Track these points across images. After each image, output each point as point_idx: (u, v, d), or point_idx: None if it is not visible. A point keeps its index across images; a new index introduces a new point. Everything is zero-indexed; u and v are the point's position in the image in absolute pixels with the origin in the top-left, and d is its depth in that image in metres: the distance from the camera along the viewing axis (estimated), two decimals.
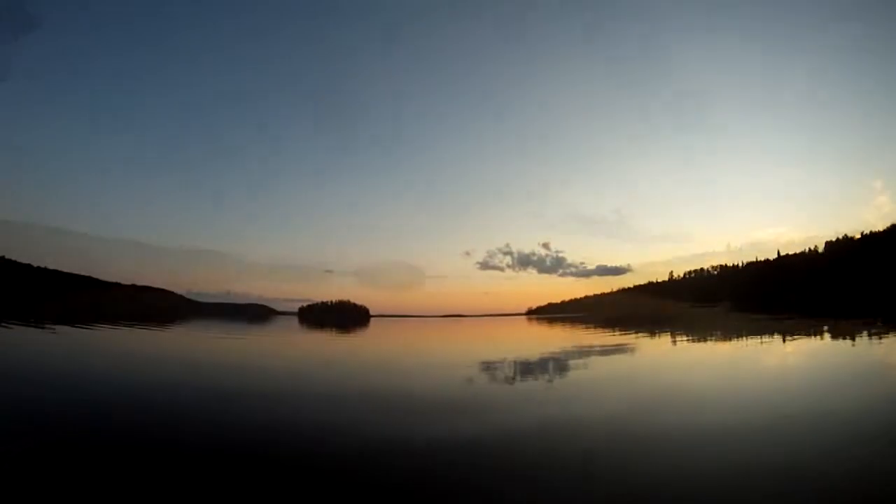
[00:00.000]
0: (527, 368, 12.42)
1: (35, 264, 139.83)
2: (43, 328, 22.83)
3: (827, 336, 19.19)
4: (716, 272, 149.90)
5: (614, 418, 6.23)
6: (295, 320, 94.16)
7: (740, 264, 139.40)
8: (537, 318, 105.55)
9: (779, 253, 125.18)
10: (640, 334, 26.71)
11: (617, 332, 29.13)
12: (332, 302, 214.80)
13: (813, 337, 19.07)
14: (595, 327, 38.60)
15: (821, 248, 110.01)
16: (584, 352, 17.01)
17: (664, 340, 21.86)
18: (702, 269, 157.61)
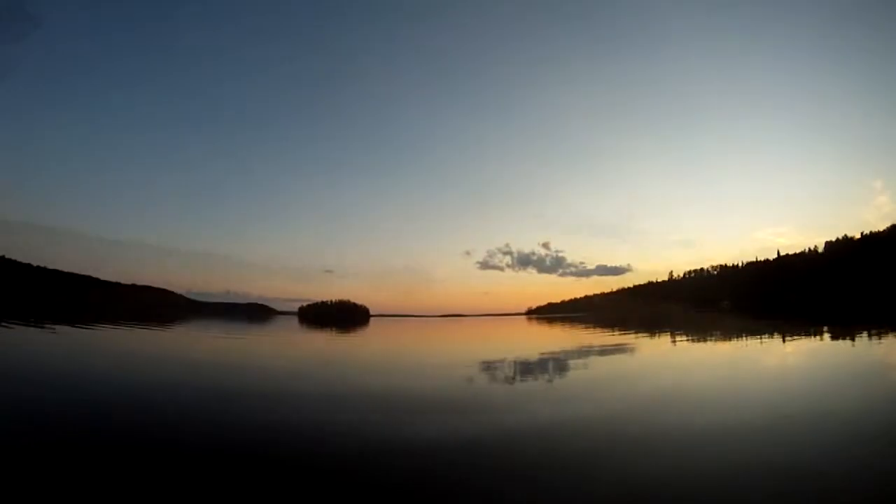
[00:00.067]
0: (526, 368, 12.43)
1: (35, 264, 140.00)
2: (43, 328, 22.82)
3: (826, 336, 19.19)
4: (716, 272, 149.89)
5: (614, 418, 6.24)
6: (295, 320, 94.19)
7: (740, 264, 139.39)
8: (537, 318, 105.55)
9: (779, 253, 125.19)
10: (639, 334, 26.71)
11: (616, 332, 29.13)
12: (332, 302, 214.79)
13: (813, 337, 19.07)
14: (595, 327, 38.61)
15: (821, 249, 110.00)
16: (584, 352, 17.02)
17: (664, 340, 21.86)
18: (702, 269, 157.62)
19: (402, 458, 4.65)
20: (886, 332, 18.45)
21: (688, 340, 21.26)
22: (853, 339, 16.67)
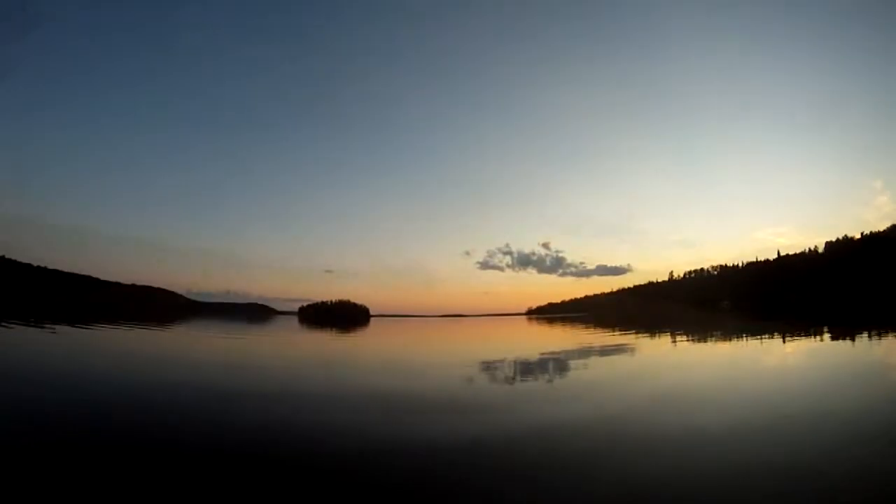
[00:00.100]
0: (526, 368, 12.43)
1: (35, 264, 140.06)
2: (43, 328, 22.82)
3: (826, 336, 19.18)
4: (716, 272, 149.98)
5: (614, 418, 6.23)
6: (295, 320, 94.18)
7: (740, 264, 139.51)
8: (537, 319, 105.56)
9: (779, 253, 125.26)
10: (639, 334, 26.71)
11: (616, 333, 29.13)
12: (332, 301, 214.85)
13: (812, 337, 19.06)
14: (595, 327, 38.61)
15: (821, 249, 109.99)
16: (584, 352, 17.01)
17: (664, 341, 21.86)
18: (702, 270, 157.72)
19: (403, 457, 4.65)
20: (887, 333, 18.44)
21: (688, 340, 21.26)
22: (853, 340, 16.67)
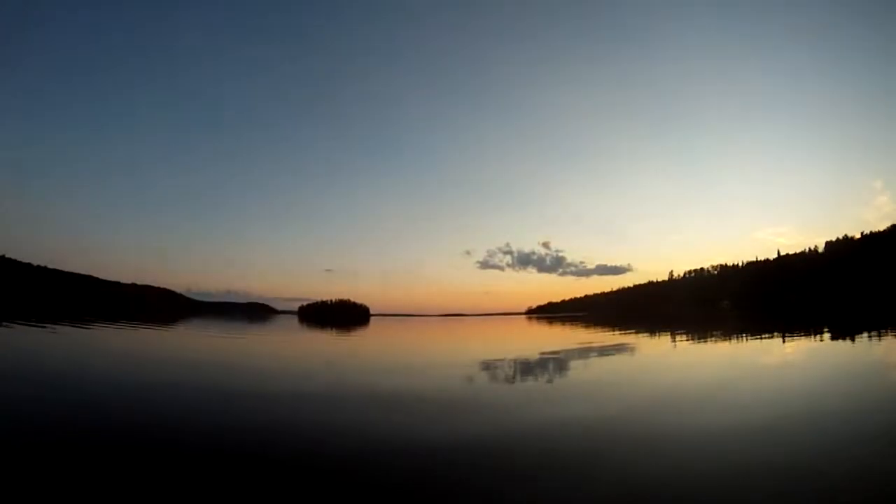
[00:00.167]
0: (526, 368, 12.43)
1: (35, 263, 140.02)
2: (43, 327, 22.82)
3: (826, 336, 19.19)
4: (716, 272, 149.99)
5: (614, 418, 6.24)
6: (295, 319, 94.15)
7: (740, 264, 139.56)
8: (537, 318, 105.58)
9: (779, 253, 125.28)
10: (639, 334, 26.72)
11: (616, 332, 29.13)
12: (332, 301, 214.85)
13: (812, 337, 19.07)
14: (595, 327, 38.61)
15: (821, 249, 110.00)
16: (584, 351, 17.02)
17: (664, 340, 21.86)
18: (702, 269, 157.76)
19: (402, 458, 4.65)
20: (887, 333, 18.44)
21: (688, 340, 21.26)
22: (853, 340, 16.67)
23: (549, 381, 10.07)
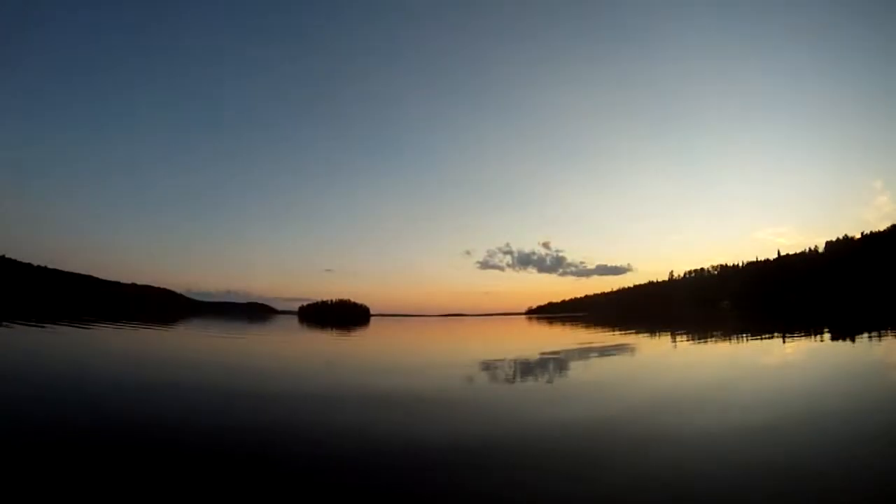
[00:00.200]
0: (526, 368, 12.42)
1: (35, 263, 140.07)
2: (43, 327, 22.82)
3: (826, 336, 19.18)
4: (716, 272, 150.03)
5: (613, 418, 6.23)
6: (295, 319, 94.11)
7: (740, 264, 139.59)
8: (537, 318, 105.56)
9: (779, 253, 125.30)
10: (639, 334, 26.71)
11: (617, 332, 29.13)
12: (332, 301, 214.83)
13: (812, 337, 19.06)
14: (595, 327, 38.60)
15: (821, 249, 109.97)
16: (584, 352, 17.01)
17: (664, 340, 21.86)
18: (702, 269, 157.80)
19: (402, 458, 4.65)
20: (887, 333, 18.43)
21: (688, 340, 21.26)
22: (853, 340, 16.66)
23: (549, 381, 10.07)
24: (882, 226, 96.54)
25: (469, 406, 7.36)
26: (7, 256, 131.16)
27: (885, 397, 7.16)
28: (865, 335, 18.02)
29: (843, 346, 15.27)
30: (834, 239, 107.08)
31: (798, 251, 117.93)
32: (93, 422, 5.76)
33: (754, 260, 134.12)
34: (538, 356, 15.69)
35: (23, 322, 25.37)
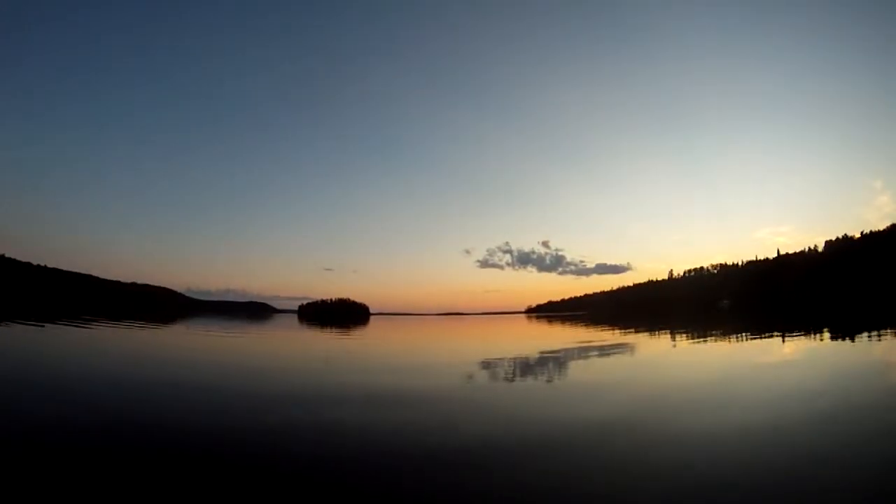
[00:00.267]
0: (526, 368, 12.42)
1: (35, 262, 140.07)
2: (43, 327, 22.83)
3: (826, 335, 19.19)
4: (716, 271, 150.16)
5: (613, 418, 6.23)
6: (295, 318, 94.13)
7: (740, 263, 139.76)
8: (537, 317, 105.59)
9: (779, 252, 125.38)
10: (639, 333, 26.71)
11: (616, 331, 29.13)
12: (331, 300, 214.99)
13: (813, 336, 19.07)
14: (595, 326, 38.61)
15: (821, 248, 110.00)
16: (584, 351, 17.01)
17: (663, 340, 21.86)
18: (702, 268, 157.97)
19: (402, 458, 4.64)
20: (887, 332, 18.44)
21: (687, 340, 21.27)
22: (853, 339, 16.67)
23: (549, 380, 10.07)
24: (882, 225, 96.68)
25: (469, 406, 7.36)
26: (7, 256, 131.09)
27: (885, 397, 7.16)
28: (865, 334, 18.03)
29: (843, 345, 15.28)
30: (834, 238, 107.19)
31: (798, 251, 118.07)
32: (93, 422, 5.75)
33: (754, 259, 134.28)
34: (538, 355, 15.69)
35: (23, 321, 25.37)
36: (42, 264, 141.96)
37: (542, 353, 16.56)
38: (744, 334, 22.28)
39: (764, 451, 4.61)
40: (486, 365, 13.26)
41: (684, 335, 23.84)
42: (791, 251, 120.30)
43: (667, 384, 9.09)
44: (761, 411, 6.33)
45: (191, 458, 4.50)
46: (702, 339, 20.71)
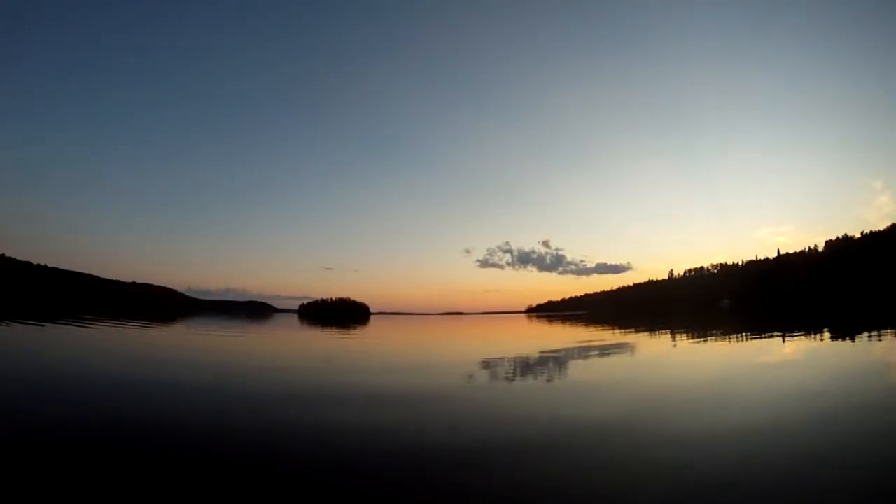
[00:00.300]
0: (527, 367, 12.42)
1: (35, 262, 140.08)
2: (43, 326, 22.83)
3: (827, 335, 19.18)
4: (716, 271, 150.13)
5: (613, 418, 6.23)
6: (295, 318, 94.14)
7: (740, 263, 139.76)
8: (537, 317, 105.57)
9: (779, 252, 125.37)
10: (639, 333, 26.71)
11: (616, 331, 29.13)
12: (332, 299, 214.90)
13: (813, 336, 19.06)
14: (595, 325, 38.61)
15: (821, 248, 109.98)
16: (584, 351, 17.01)
17: (663, 340, 21.86)
18: (702, 268, 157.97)
19: (402, 458, 4.64)
20: (887, 332, 18.44)
21: (688, 339, 21.27)
22: (853, 339, 16.66)
23: (549, 380, 10.07)
24: (882, 225, 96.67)
25: (469, 405, 7.36)
26: (7, 255, 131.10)
27: (885, 397, 7.16)
28: (865, 334, 18.02)
29: (843, 345, 15.27)
30: (834, 238, 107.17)
31: (798, 251, 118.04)
32: (93, 422, 5.75)
33: (754, 259, 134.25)
34: (538, 355, 15.70)
35: (23, 321, 25.38)
36: (42, 264, 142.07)
37: (542, 352, 16.56)
38: (744, 334, 22.28)
39: (764, 451, 4.61)
40: (487, 365, 13.26)
41: (684, 335, 23.84)
42: (791, 251, 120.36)
43: (667, 384, 9.09)
44: (761, 411, 6.33)
45: (191, 458, 4.50)
46: (702, 339, 20.71)
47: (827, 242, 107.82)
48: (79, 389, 7.84)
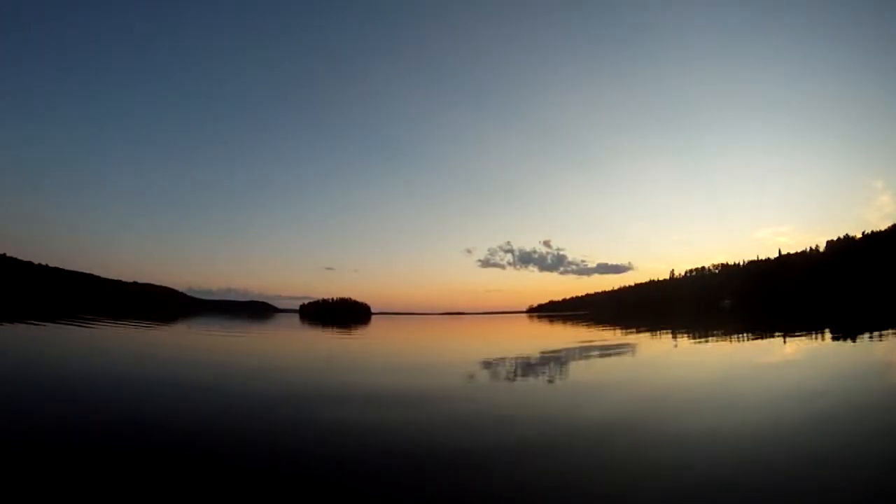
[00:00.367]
0: (528, 367, 12.42)
1: (36, 262, 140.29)
2: (44, 326, 22.87)
3: (827, 336, 19.16)
4: (717, 271, 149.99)
5: (613, 418, 6.23)
6: (296, 318, 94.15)
7: (741, 263, 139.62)
8: (538, 317, 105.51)
9: (780, 252, 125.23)
10: (640, 333, 26.69)
11: (618, 331, 29.11)
12: (333, 299, 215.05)
13: (813, 336, 19.04)
14: (596, 325, 38.58)
15: (822, 248, 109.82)
16: (585, 350, 17.01)
17: (664, 340, 21.84)
18: (703, 268, 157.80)
19: (402, 457, 4.65)
20: (888, 332, 18.41)
21: (688, 340, 21.25)
22: (854, 339, 16.64)
23: (550, 380, 10.06)
24: (883, 225, 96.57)
25: (470, 405, 7.35)
26: (8, 255, 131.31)
27: (885, 397, 7.15)
28: (866, 335, 18.00)
29: (844, 345, 15.25)
30: (835, 238, 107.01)
31: (799, 251, 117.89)
32: (93, 422, 5.77)
33: (755, 259, 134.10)
34: (539, 355, 15.69)
35: (23, 321, 25.42)
36: (43, 264, 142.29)
37: (543, 352, 16.56)
38: (745, 334, 22.26)
39: (764, 451, 4.61)
40: (487, 365, 13.27)
41: (685, 335, 23.82)
42: (792, 251, 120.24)
43: (668, 384, 9.08)
44: (761, 411, 6.32)
45: (191, 457, 4.51)
46: (703, 339, 20.69)
47: (828, 242, 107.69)
48: (80, 389, 7.86)
